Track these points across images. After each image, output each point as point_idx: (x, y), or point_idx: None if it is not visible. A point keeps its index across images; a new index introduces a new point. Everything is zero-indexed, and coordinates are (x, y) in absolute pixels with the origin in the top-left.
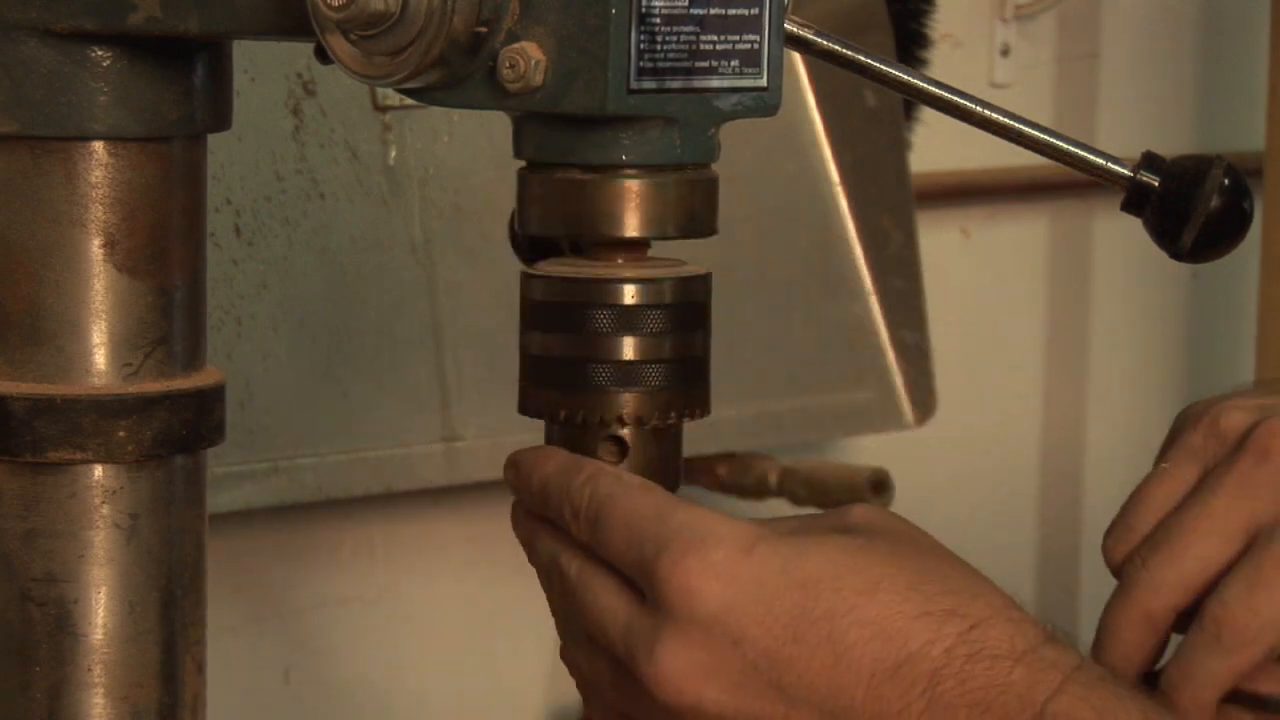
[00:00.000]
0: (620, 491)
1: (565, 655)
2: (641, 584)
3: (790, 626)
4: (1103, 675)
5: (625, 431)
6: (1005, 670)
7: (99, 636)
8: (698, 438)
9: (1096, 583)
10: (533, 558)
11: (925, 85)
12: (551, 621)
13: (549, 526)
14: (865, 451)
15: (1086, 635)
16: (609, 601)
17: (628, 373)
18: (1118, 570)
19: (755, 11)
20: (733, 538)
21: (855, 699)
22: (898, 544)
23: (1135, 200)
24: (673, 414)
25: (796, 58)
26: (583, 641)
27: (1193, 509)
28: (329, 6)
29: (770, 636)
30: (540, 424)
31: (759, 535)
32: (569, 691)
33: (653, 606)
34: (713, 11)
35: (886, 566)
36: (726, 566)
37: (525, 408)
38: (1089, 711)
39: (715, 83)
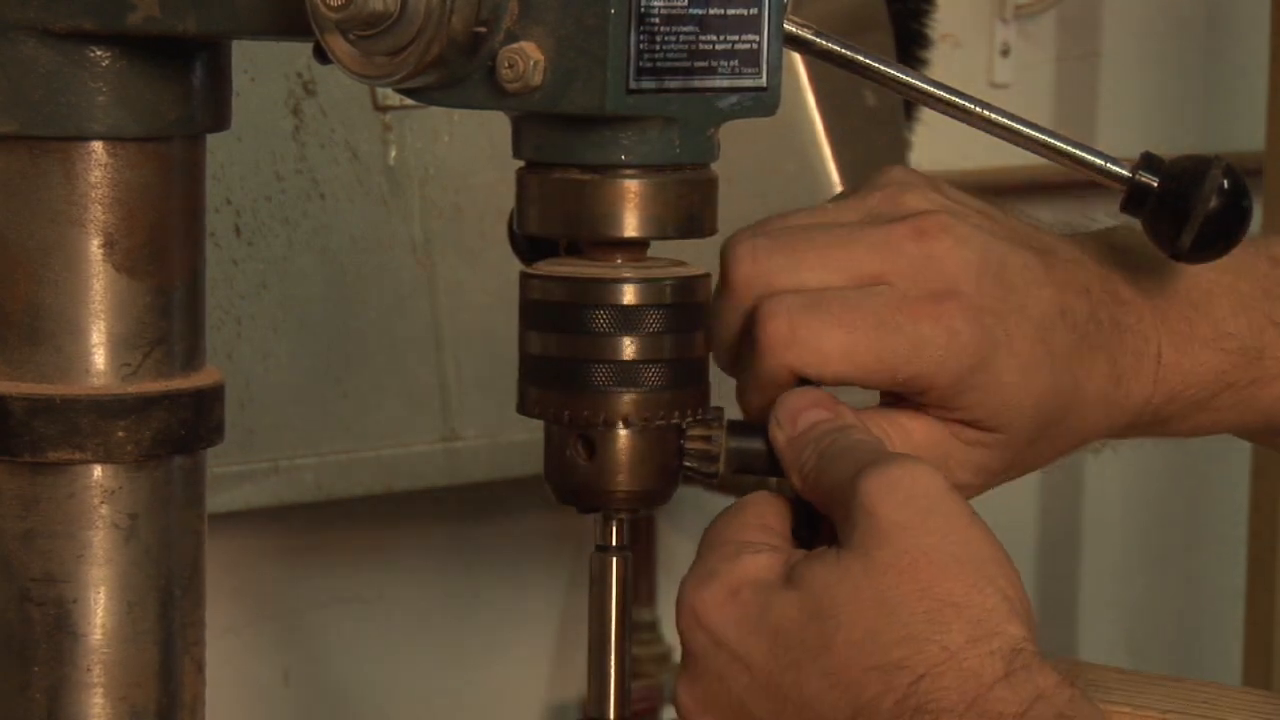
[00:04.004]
0: None
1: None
2: None
3: (763, 671)
4: (1057, 714)
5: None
6: None
7: (98, 636)
8: None
9: (1096, 582)
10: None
11: (925, 85)
12: (550, 621)
13: None
14: None
15: (1083, 634)
16: None
17: (627, 373)
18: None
19: (754, 11)
20: (727, 576)
21: None
22: (872, 569)
23: (1134, 200)
24: (666, 414)
25: (796, 58)
26: None
27: (833, 232)
28: (328, 6)
29: (741, 686)
30: (540, 424)
31: (744, 579)
32: (568, 691)
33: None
34: (712, 11)
35: (850, 609)
36: (715, 605)
37: (524, 408)
38: None
39: (714, 83)
